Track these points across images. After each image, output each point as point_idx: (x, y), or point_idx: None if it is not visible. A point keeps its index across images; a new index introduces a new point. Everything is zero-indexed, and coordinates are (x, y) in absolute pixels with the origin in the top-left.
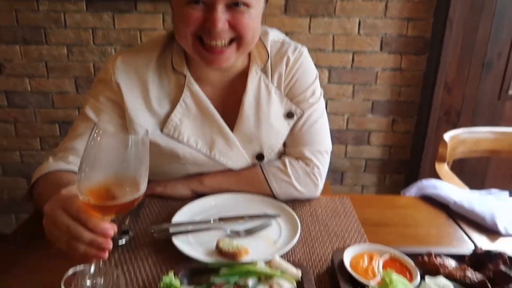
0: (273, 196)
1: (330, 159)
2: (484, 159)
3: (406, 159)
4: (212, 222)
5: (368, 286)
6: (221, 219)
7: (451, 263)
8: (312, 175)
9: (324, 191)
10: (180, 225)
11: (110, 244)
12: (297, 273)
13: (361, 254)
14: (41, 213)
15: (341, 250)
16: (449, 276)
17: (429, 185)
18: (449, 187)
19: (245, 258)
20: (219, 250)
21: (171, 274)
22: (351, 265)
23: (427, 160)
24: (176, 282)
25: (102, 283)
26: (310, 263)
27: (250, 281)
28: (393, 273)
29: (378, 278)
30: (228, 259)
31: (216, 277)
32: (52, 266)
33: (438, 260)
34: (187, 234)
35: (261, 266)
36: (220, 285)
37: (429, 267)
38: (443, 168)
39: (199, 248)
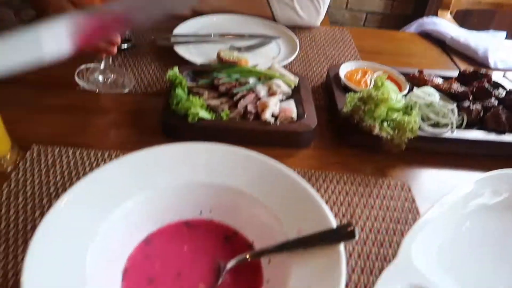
0: (273, 19)
1: (329, 9)
2: (488, 14)
3: (408, 15)
4: (212, 36)
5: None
6: (222, 35)
7: (439, 80)
8: (315, 1)
9: (323, 23)
10: (182, 36)
11: (118, 38)
12: (295, 79)
13: (356, 70)
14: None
15: (337, 66)
16: (436, 87)
17: (429, 22)
18: (448, 24)
19: None
20: (220, 59)
21: (176, 68)
22: (345, 78)
23: (429, 14)
24: (180, 76)
25: (111, 77)
26: (307, 78)
27: (251, 80)
28: (385, 79)
29: (370, 87)
30: None
31: (219, 73)
32: (65, 62)
33: (427, 76)
34: (189, 44)
35: (261, 68)
36: (221, 78)
37: (418, 82)
38: (445, 16)
39: (200, 56)
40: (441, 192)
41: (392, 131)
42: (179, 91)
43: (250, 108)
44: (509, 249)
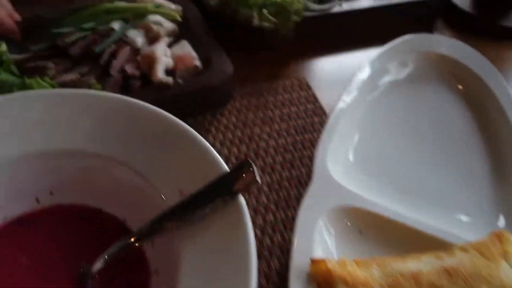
0: None
1: None
2: None
3: None
4: None
5: None
6: None
7: None
8: None
9: None
10: None
11: None
12: (177, 8)
13: None
14: None
15: None
16: None
17: None
18: None
19: None
20: None
21: None
22: None
23: None
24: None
25: None
26: None
27: (116, 25)
28: None
29: None
30: None
31: (61, 26)
32: None
33: None
34: None
35: (123, 2)
36: (68, 34)
37: None
38: None
39: None
40: (343, 78)
41: (275, 18)
42: (4, 75)
43: (131, 69)
44: (431, 125)
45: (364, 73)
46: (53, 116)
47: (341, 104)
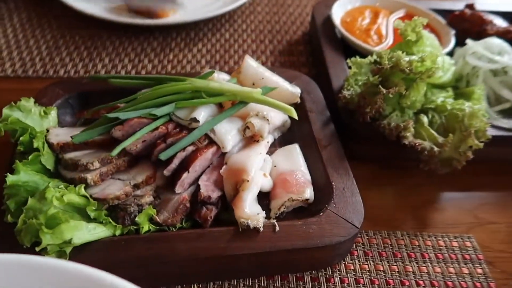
0: None
1: None
2: None
3: None
4: None
5: (372, 53)
6: None
7: (500, 22)
8: None
9: None
10: None
11: None
12: (294, 89)
13: (359, 9)
14: None
15: (327, 3)
16: (505, 36)
17: None
18: None
19: (173, 16)
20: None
21: (29, 102)
22: (342, 25)
23: None
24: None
25: None
26: (277, 28)
27: (200, 114)
28: (422, 26)
29: (389, 41)
30: (145, 17)
31: (123, 109)
32: None
33: (484, 15)
34: None
35: (221, 79)
36: (135, 122)
37: (469, 26)
38: None
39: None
40: None
41: (441, 136)
42: (24, 174)
43: (207, 188)
44: None
45: None
46: None
47: None
